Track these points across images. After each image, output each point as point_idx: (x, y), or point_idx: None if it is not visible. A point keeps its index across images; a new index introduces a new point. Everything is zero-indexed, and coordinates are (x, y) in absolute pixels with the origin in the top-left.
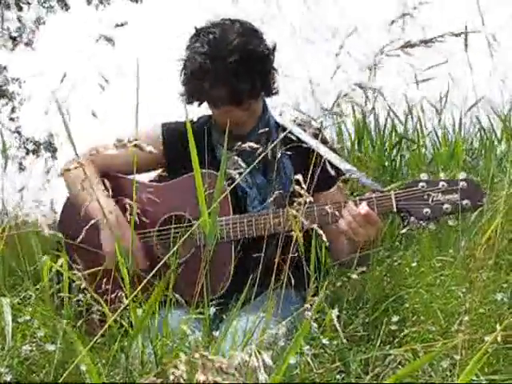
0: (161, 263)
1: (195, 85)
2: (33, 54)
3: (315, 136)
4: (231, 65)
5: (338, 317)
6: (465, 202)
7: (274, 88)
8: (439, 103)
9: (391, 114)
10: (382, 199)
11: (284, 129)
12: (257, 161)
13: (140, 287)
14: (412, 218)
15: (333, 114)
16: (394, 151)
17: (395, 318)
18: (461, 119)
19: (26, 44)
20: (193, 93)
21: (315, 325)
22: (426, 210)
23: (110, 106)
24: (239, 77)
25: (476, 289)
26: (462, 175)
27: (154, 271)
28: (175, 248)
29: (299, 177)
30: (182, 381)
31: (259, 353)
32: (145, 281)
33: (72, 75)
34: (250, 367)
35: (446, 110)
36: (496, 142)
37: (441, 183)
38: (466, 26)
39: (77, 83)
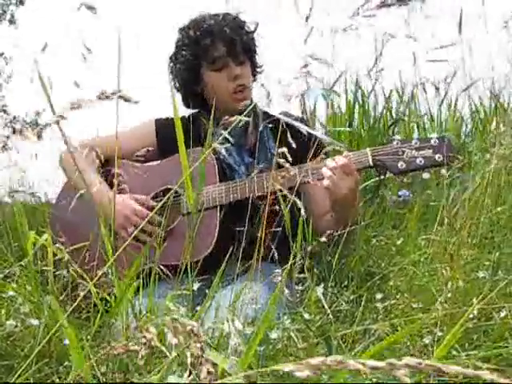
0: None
1: (194, 51)
2: (16, 30)
3: (300, 120)
4: (227, 26)
5: (324, 294)
6: (437, 156)
7: (259, 66)
8: (442, 84)
9: (385, 93)
10: (359, 155)
11: (271, 116)
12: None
13: (119, 252)
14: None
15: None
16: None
17: (379, 295)
18: (456, 100)
19: (10, 21)
20: (192, 61)
21: (287, 291)
22: (401, 163)
23: (92, 76)
24: (235, 33)
25: (458, 266)
26: (434, 135)
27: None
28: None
29: (284, 149)
30: (152, 344)
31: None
32: (123, 247)
33: (55, 46)
34: (222, 333)
35: (442, 92)
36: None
37: (413, 141)
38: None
39: (59, 53)
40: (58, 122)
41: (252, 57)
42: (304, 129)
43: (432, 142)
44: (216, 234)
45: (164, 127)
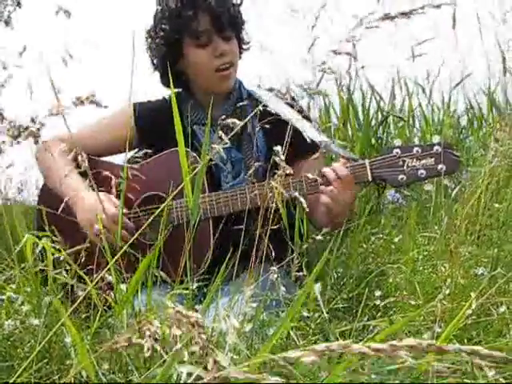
0: (131, 240)
1: (176, 24)
2: (12, 32)
3: (290, 105)
4: None
5: (322, 291)
6: (440, 166)
7: (246, 42)
8: (427, 80)
9: (376, 90)
10: (357, 168)
11: (257, 100)
12: (231, 134)
13: (115, 259)
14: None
15: (316, 94)
16: (380, 129)
17: (378, 293)
18: (450, 96)
19: (6, 22)
20: (172, 35)
21: (283, 288)
22: (401, 176)
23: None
24: (221, 4)
25: (457, 263)
26: (435, 139)
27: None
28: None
29: (279, 148)
30: (157, 337)
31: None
32: (120, 252)
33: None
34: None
35: (433, 87)
36: (482, 119)
37: (415, 149)
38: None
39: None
40: (38, 130)
41: (239, 32)
42: (295, 121)
43: (434, 149)
44: (210, 249)
45: (144, 112)
